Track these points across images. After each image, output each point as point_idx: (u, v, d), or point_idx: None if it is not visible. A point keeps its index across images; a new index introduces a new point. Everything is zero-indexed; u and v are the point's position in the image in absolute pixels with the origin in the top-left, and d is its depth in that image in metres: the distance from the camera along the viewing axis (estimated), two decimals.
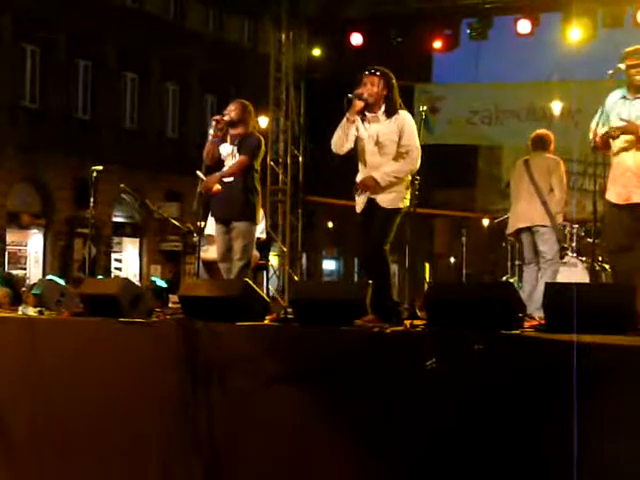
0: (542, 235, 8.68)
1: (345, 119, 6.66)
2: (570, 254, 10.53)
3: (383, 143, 6.68)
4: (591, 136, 6.89)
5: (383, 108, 6.73)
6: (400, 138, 6.66)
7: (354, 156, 6.89)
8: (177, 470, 5.85)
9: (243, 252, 7.73)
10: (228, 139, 7.88)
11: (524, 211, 8.80)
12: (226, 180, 7.77)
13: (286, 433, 5.43)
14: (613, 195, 6.91)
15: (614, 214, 6.91)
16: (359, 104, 6.62)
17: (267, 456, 5.49)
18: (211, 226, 8.36)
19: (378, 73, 6.75)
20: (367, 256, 6.83)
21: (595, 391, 4.39)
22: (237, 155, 7.81)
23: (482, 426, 4.72)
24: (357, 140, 6.76)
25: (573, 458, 4.30)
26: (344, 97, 6.63)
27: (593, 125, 6.87)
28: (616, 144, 6.85)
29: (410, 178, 6.78)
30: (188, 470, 5.79)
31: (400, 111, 6.74)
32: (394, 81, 6.79)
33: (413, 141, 6.69)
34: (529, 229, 8.79)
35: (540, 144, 9.02)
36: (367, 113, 6.73)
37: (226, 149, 7.86)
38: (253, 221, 7.85)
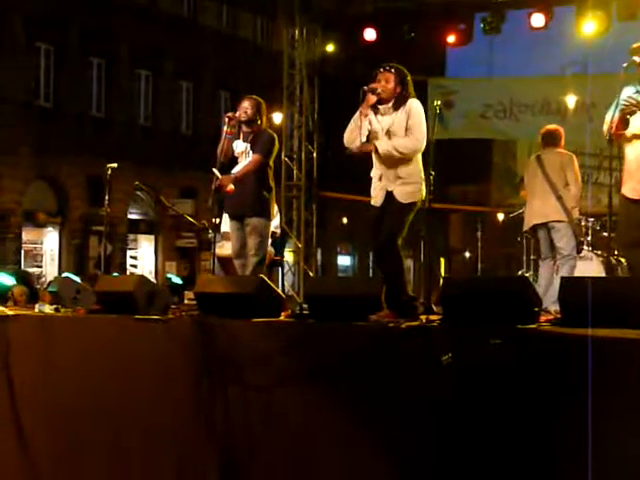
0: (558, 231, 8.65)
1: (358, 113, 6.66)
2: (586, 248, 10.50)
3: (395, 132, 6.68)
4: (605, 127, 6.84)
5: (393, 101, 6.72)
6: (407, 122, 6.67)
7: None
8: (193, 468, 5.86)
9: (258, 248, 7.73)
10: (241, 136, 7.88)
11: (539, 207, 8.77)
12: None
13: (301, 429, 5.43)
14: (628, 190, 6.88)
15: (629, 209, 6.87)
16: (372, 98, 6.63)
17: (284, 453, 5.49)
18: (226, 222, 8.36)
19: (392, 70, 6.76)
20: (379, 250, 6.82)
21: (611, 385, 4.38)
22: (250, 152, 7.81)
23: (499, 420, 4.71)
24: (370, 134, 6.76)
25: (588, 452, 4.29)
26: (360, 90, 6.63)
27: (608, 117, 6.83)
28: (630, 130, 6.79)
29: (422, 174, 6.75)
30: (204, 468, 5.80)
31: (409, 99, 6.73)
32: (408, 78, 6.78)
33: (417, 121, 6.65)
34: (545, 225, 8.76)
35: (551, 140, 9.00)
36: (379, 106, 6.73)
37: (239, 146, 7.86)
38: (267, 217, 7.85)
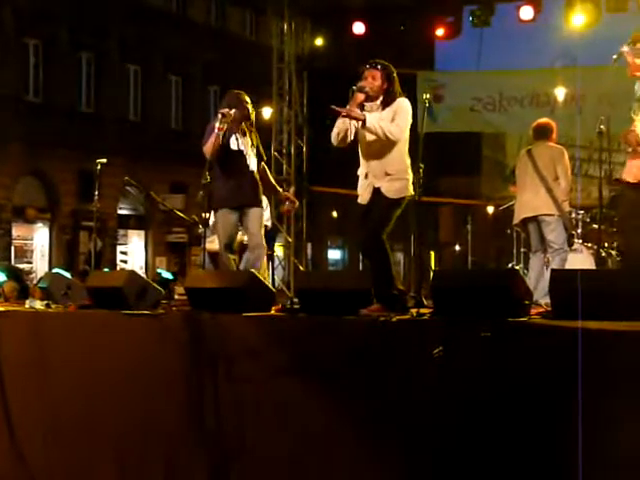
0: (549, 224, 8.64)
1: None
2: (576, 240, 10.52)
3: None
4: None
5: (381, 99, 6.73)
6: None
7: (356, 146, 6.88)
8: (184, 462, 5.86)
9: (258, 236, 7.76)
10: (238, 130, 7.84)
11: (529, 201, 8.76)
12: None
13: (293, 424, 5.43)
14: (625, 173, 6.87)
15: (629, 195, 6.85)
16: (360, 97, 6.62)
17: (275, 448, 5.49)
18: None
19: (379, 66, 6.76)
20: (365, 245, 6.81)
21: (601, 376, 4.39)
22: (254, 150, 7.89)
23: (490, 412, 4.72)
24: (357, 130, 6.75)
25: (578, 442, 4.31)
26: (349, 88, 6.62)
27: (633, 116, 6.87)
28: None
29: (410, 170, 6.73)
30: (195, 463, 5.81)
31: (398, 98, 6.73)
32: (395, 74, 6.78)
33: (403, 115, 6.63)
34: (535, 218, 8.75)
35: (542, 133, 8.98)
36: (366, 104, 6.73)
37: (241, 141, 7.82)
38: (261, 207, 7.92)
